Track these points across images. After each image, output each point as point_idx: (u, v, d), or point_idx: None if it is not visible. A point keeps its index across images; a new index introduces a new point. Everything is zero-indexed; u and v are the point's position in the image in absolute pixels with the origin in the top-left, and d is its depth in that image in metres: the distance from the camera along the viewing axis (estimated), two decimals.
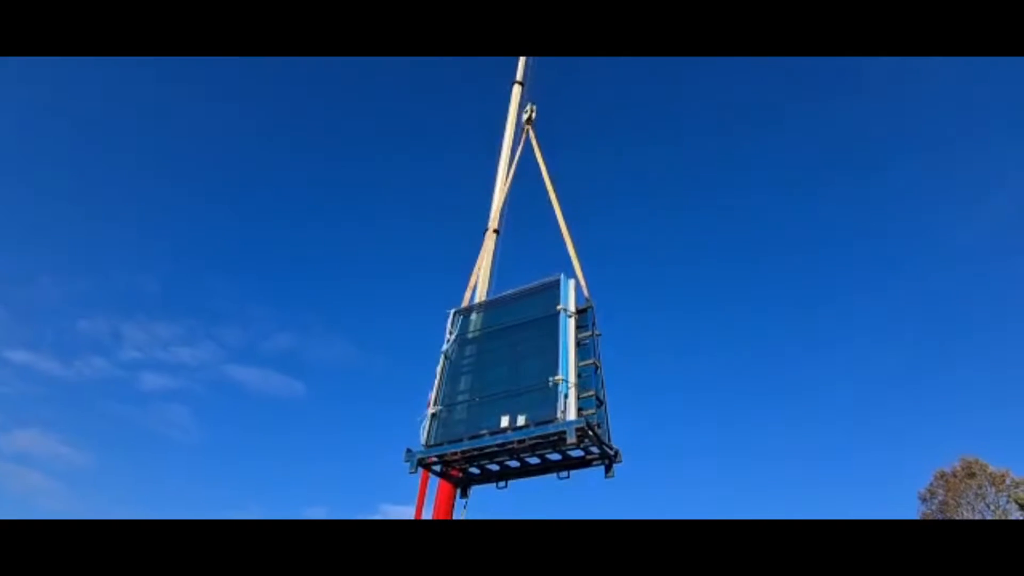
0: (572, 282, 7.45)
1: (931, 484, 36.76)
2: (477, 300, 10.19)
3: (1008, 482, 33.68)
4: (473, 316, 8.05)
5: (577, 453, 6.16)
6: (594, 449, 6.04)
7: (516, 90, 12.95)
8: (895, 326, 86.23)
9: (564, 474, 6.41)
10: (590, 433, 5.65)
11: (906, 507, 41.78)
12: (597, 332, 6.89)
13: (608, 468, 6.12)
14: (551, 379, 6.07)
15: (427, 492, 9.27)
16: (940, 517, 35.09)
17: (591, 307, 7.17)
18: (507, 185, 11.02)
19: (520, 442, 5.92)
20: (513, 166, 11.38)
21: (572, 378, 6.18)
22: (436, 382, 8.64)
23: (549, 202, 10.23)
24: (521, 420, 5.93)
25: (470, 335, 7.73)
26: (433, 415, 6.85)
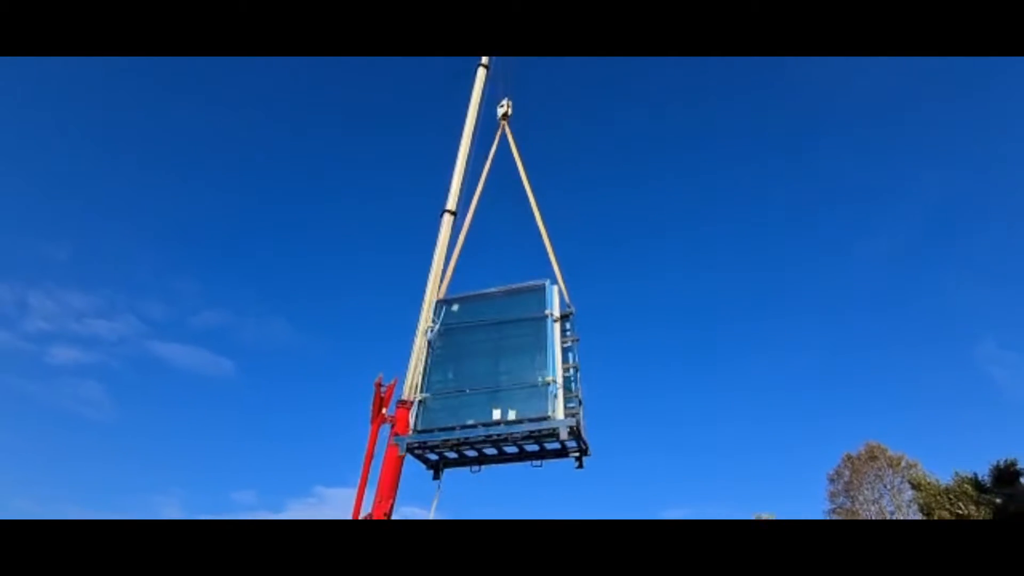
0: (556, 288, 7.97)
1: (839, 466, 40.44)
2: (433, 282, 10.43)
3: (903, 464, 37.67)
4: (456, 307, 8.33)
5: (554, 446, 6.81)
6: (572, 444, 6.71)
7: (481, 73, 12.99)
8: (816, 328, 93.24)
9: (538, 463, 7.08)
10: (575, 431, 6.40)
11: (818, 487, 45.84)
12: (576, 337, 7.48)
13: (579, 460, 6.85)
14: (542, 378, 6.66)
15: (373, 460, 9.58)
16: (845, 495, 38.79)
17: (572, 313, 7.74)
18: (464, 166, 11.11)
19: (509, 434, 6.48)
20: (488, 161, 11.44)
21: (560, 379, 6.79)
22: (415, 367, 9.35)
23: (525, 196, 10.52)
24: (512, 414, 6.51)
25: (452, 325, 8.01)
26: (420, 402, 7.17)
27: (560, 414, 6.50)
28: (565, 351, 7.38)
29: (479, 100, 12.16)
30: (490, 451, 7.14)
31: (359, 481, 10.03)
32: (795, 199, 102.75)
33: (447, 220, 11.04)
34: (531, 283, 8.15)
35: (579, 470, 6.73)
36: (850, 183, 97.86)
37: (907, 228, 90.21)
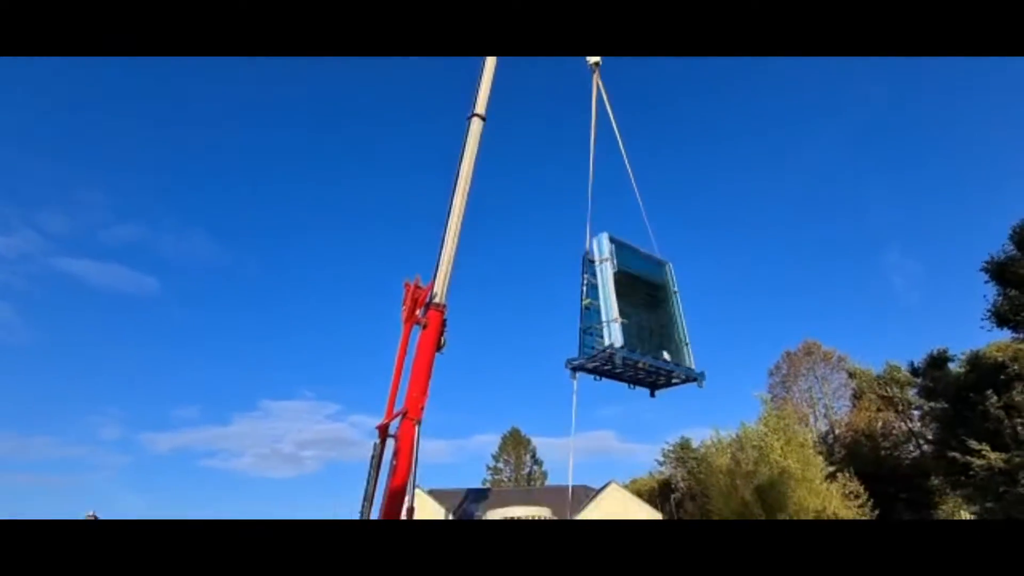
0: (669, 267, 10.06)
1: (779, 361, 45.00)
2: (462, 189, 10.30)
3: (834, 358, 42.41)
4: (611, 245, 9.06)
5: (676, 382, 9.43)
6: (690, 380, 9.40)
7: None
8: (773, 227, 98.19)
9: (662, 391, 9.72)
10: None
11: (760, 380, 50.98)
12: (676, 290, 9.92)
13: (700, 383, 9.34)
14: (683, 341, 9.53)
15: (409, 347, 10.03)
16: (782, 386, 43.54)
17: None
18: (493, 73, 10.66)
19: (670, 372, 9.03)
20: (594, 114, 11.13)
21: (687, 338, 9.60)
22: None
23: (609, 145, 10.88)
24: (668, 357, 8.99)
25: (622, 267, 8.97)
26: (621, 323, 8.26)
27: (694, 365, 9.41)
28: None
29: None
30: (636, 375, 9.13)
31: (392, 380, 10.48)
32: (739, 118, 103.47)
33: (476, 125, 10.64)
34: (658, 257, 10.24)
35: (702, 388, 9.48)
36: (792, 102, 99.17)
37: (834, 146, 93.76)
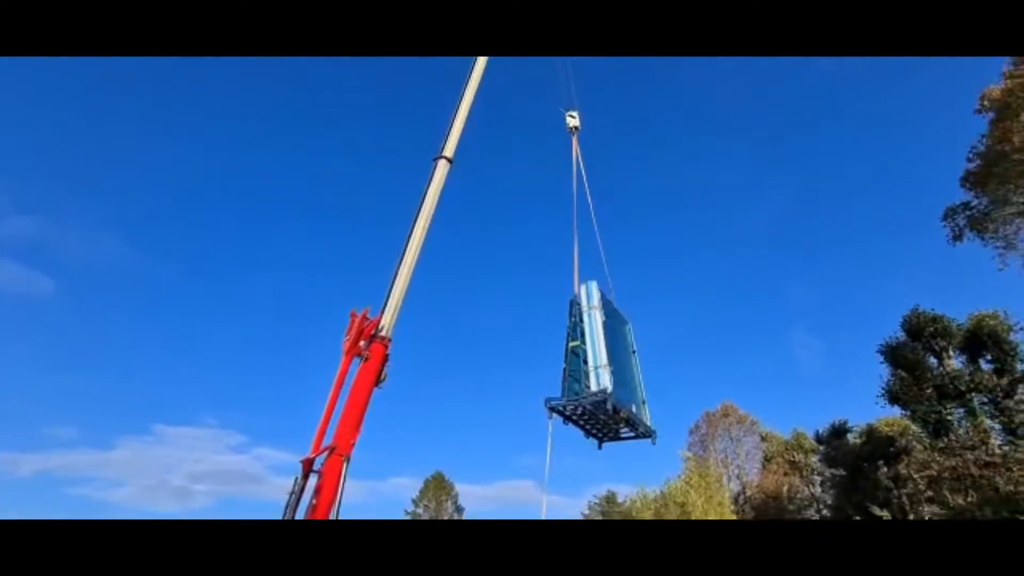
0: (630, 326, 10.40)
1: (699, 421, 47.02)
2: (421, 227, 10.35)
3: (748, 422, 44.92)
4: (599, 294, 9.38)
5: (629, 436, 9.55)
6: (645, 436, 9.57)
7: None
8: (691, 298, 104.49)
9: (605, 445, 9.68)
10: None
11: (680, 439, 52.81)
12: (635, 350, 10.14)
13: (653, 440, 9.52)
14: (642, 398, 9.65)
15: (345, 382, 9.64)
16: (700, 446, 45.33)
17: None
18: (464, 119, 10.97)
19: (638, 422, 9.05)
20: (575, 177, 11.89)
21: (644, 395, 9.80)
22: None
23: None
24: (634, 409, 8.98)
25: (608, 315, 9.22)
26: (606, 368, 8.32)
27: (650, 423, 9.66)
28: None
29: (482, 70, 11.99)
30: (601, 427, 9.21)
31: (324, 412, 9.98)
32: (674, 196, 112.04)
33: (443, 167, 10.79)
34: (622, 313, 10.63)
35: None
36: (719, 185, 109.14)
37: (757, 228, 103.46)
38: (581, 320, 8.96)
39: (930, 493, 21.84)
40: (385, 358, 9.99)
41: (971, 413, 21.36)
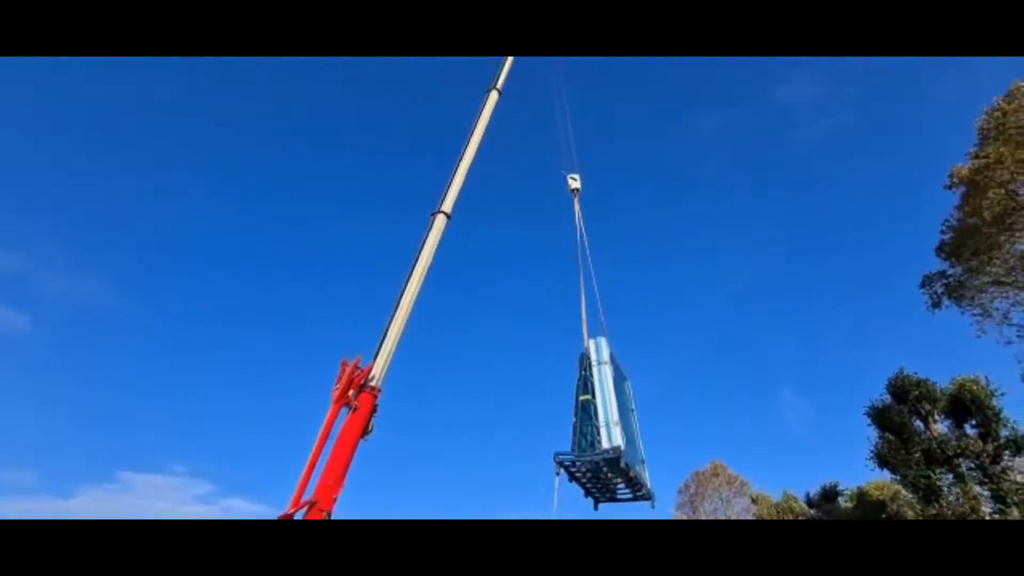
0: (628, 383, 10.19)
1: (688, 480, 46.01)
2: (417, 279, 10.52)
3: (738, 483, 44.03)
4: (610, 349, 9.37)
5: (626, 498, 9.53)
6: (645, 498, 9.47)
7: (493, 96, 13.30)
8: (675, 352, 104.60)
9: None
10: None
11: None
12: (634, 408, 9.84)
13: (653, 503, 9.32)
14: (641, 458, 9.29)
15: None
16: (689, 505, 44.16)
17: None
18: (464, 175, 11.44)
19: (643, 484, 8.84)
20: (578, 232, 12.51)
21: (643, 455, 9.49)
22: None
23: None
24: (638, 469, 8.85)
25: (612, 367, 9.19)
26: (617, 425, 8.19)
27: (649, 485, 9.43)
28: None
29: (487, 121, 12.62)
30: (612, 486, 9.05)
31: (308, 462, 9.72)
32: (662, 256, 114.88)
33: (441, 222, 11.09)
34: (624, 372, 10.52)
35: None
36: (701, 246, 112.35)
37: (740, 286, 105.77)
38: (590, 374, 8.96)
39: None
40: (374, 409, 9.87)
41: (960, 479, 21.24)
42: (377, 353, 10.20)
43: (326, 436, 9.61)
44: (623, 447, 7.83)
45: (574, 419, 8.69)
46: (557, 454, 8.38)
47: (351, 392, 9.80)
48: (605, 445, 7.97)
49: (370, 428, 9.97)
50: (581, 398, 8.82)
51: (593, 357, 9.07)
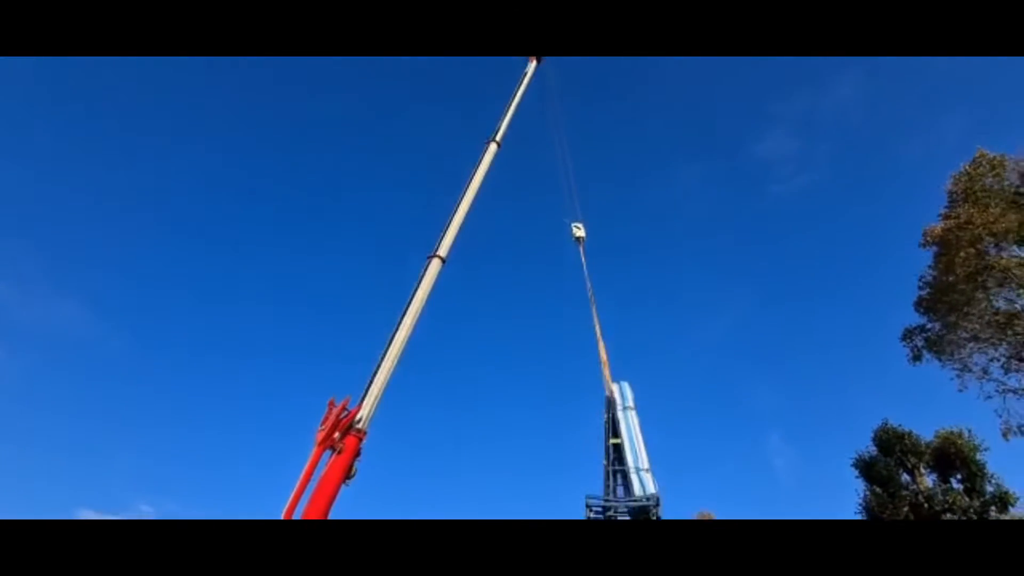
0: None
1: None
2: (413, 316, 10.69)
3: None
4: (632, 394, 9.66)
5: None
6: None
7: (492, 148, 14.00)
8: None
9: None
10: None
11: None
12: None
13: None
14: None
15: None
16: None
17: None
18: (463, 219, 11.89)
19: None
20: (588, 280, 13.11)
21: None
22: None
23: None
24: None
25: (635, 410, 9.74)
26: (648, 472, 8.65)
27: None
28: None
29: (484, 172, 13.24)
30: None
31: (288, 505, 9.61)
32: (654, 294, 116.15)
33: (436, 265, 11.39)
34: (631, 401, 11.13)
35: None
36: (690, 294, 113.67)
37: (723, 334, 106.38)
38: (616, 418, 9.20)
39: None
40: (358, 452, 9.85)
41: None
42: (364, 396, 10.27)
43: (308, 478, 9.56)
44: (658, 495, 7.88)
45: (604, 462, 8.84)
46: (589, 497, 8.44)
47: (336, 434, 9.82)
48: (638, 492, 7.99)
49: (353, 472, 9.93)
50: (612, 441, 8.97)
51: (618, 401, 9.25)
